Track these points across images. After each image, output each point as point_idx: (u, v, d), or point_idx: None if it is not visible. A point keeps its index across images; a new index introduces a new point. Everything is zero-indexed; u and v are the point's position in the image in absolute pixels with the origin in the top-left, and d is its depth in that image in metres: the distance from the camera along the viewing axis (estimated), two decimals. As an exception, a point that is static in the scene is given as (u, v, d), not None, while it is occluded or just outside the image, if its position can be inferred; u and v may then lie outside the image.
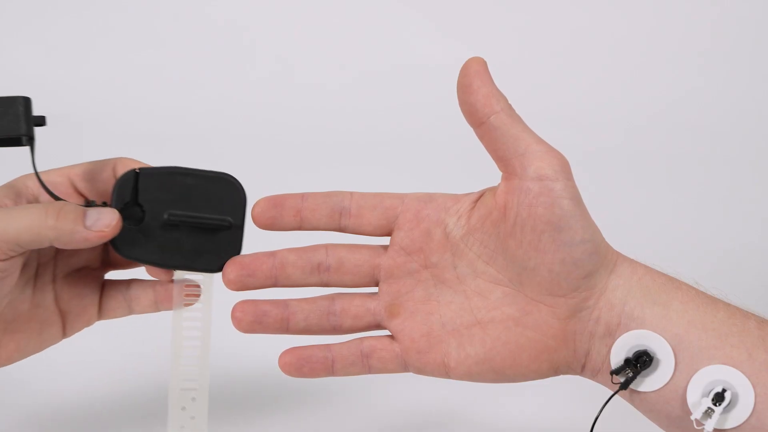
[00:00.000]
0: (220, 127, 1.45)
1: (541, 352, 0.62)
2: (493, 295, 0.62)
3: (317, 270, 0.64)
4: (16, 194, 0.62)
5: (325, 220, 0.63)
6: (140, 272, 0.66)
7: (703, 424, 0.59)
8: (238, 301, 0.63)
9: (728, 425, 0.59)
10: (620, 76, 1.53)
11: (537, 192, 0.59)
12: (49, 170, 0.63)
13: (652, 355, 0.60)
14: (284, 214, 0.63)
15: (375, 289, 0.65)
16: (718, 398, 0.59)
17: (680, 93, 1.50)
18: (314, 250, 0.64)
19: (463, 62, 0.60)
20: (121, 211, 0.61)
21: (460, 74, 0.60)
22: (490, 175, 0.62)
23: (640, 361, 0.60)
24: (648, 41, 1.56)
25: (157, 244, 0.63)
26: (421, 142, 1.40)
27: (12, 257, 0.59)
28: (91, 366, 0.80)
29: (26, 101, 0.60)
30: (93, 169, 0.64)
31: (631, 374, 0.60)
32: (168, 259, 0.63)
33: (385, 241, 0.64)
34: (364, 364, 0.64)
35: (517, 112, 0.61)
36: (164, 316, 0.66)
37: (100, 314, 0.66)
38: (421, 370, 0.64)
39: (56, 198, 0.61)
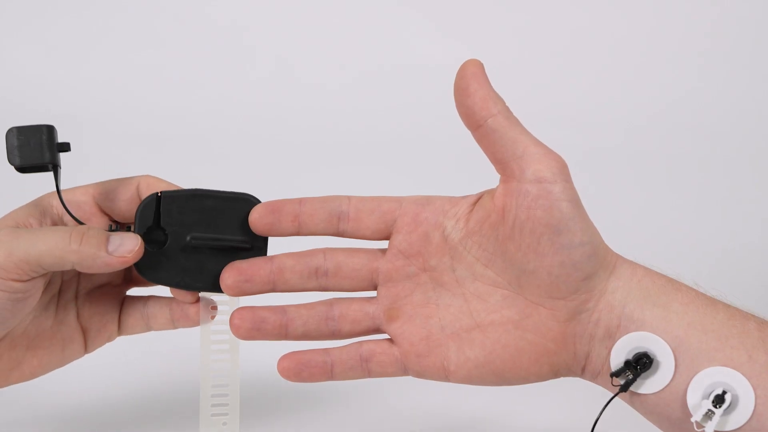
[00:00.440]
0: (220, 127, 1.45)
1: (541, 355, 0.62)
2: (493, 298, 0.62)
3: (315, 274, 0.64)
4: (41, 213, 0.63)
5: (324, 225, 0.63)
6: (158, 288, 0.66)
7: (704, 426, 0.59)
8: (237, 308, 0.64)
9: (729, 427, 0.59)
10: (620, 76, 1.53)
11: (535, 194, 0.59)
12: (73, 188, 0.64)
13: (652, 357, 0.60)
14: (282, 220, 0.63)
15: (374, 293, 0.65)
16: (719, 400, 0.59)
17: (680, 93, 1.50)
18: (312, 254, 0.64)
19: (464, 61, 0.60)
20: (144, 234, 0.63)
21: (456, 77, 0.60)
22: (490, 175, 0.62)
23: (640, 363, 0.60)
24: (648, 41, 1.56)
25: (180, 266, 0.64)
26: (421, 142, 1.40)
27: (34, 278, 0.60)
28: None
29: (49, 129, 0.61)
30: (117, 188, 0.65)
31: (631, 376, 0.60)
32: (192, 282, 0.64)
33: (384, 245, 0.64)
34: (364, 368, 0.64)
35: (517, 112, 0.61)
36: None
37: (120, 331, 0.67)
38: (420, 374, 0.64)
39: (80, 222, 0.63)
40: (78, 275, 0.66)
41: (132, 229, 0.64)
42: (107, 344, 0.68)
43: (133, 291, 0.68)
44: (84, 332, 0.66)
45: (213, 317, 0.66)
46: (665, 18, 1.58)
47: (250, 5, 1.59)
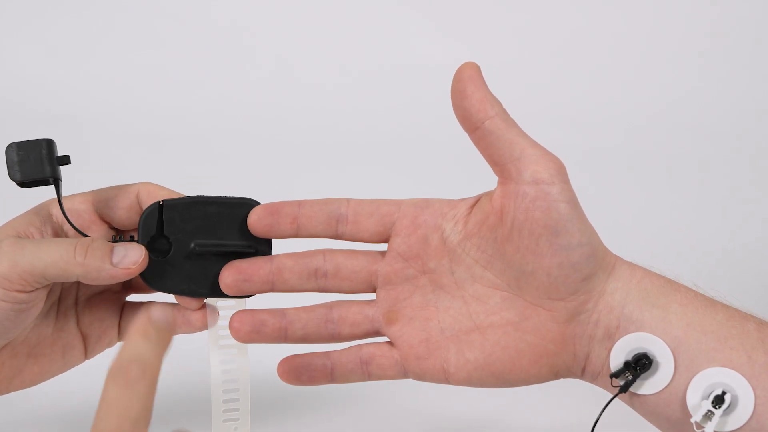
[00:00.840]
0: (220, 128, 1.45)
1: (541, 356, 0.62)
2: (492, 299, 0.62)
3: (314, 276, 0.64)
4: (42, 222, 0.64)
5: (322, 228, 0.63)
6: (159, 294, 0.66)
7: (703, 427, 0.59)
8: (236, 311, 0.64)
9: (728, 428, 0.59)
10: (620, 76, 1.53)
11: (533, 196, 0.59)
12: (72, 196, 0.65)
13: (651, 357, 0.60)
14: (281, 222, 0.63)
15: (373, 296, 0.65)
16: (718, 401, 0.59)
17: (680, 93, 1.50)
18: (312, 255, 0.64)
19: (461, 64, 0.60)
20: (147, 244, 0.63)
21: (453, 79, 0.60)
22: (490, 175, 0.62)
23: (640, 364, 0.60)
24: (648, 41, 1.56)
25: (185, 274, 0.64)
26: (421, 143, 1.40)
27: (37, 289, 0.60)
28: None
29: (49, 144, 0.62)
30: (116, 195, 0.65)
31: (630, 377, 0.60)
32: (197, 288, 0.64)
33: (384, 247, 0.64)
34: (364, 371, 0.64)
35: (517, 112, 0.61)
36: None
37: (121, 336, 0.67)
38: (420, 377, 0.64)
39: (83, 234, 0.63)
40: (77, 282, 0.66)
41: (135, 238, 0.64)
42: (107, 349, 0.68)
43: (133, 297, 0.68)
44: (84, 339, 0.66)
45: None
46: (665, 18, 1.58)
47: (250, 5, 1.59)
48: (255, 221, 0.63)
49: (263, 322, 0.63)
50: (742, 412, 0.59)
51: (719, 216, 1.23)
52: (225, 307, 0.65)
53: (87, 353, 0.67)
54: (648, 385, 0.61)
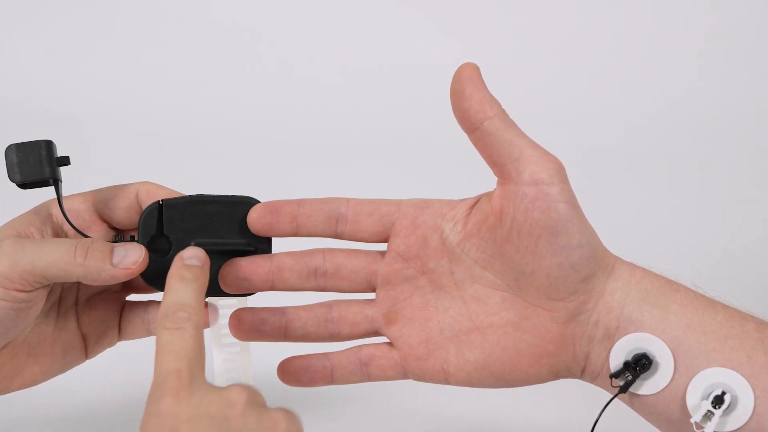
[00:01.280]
0: (220, 127, 1.45)
1: (541, 357, 0.62)
2: (492, 300, 0.62)
3: (314, 275, 0.64)
4: (42, 222, 0.64)
5: (322, 227, 0.63)
6: (159, 293, 0.66)
7: (703, 427, 0.59)
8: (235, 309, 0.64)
9: (728, 428, 0.59)
10: (619, 76, 1.53)
11: (533, 196, 0.59)
12: (71, 196, 0.65)
13: (651, 358, 0.60)
14: (280, 221, 0.63)
15: (373, 296, 0.65)
16: (718, 401, 0.59)
17: (680, 93, 1.50)
18: (312, 254, 0.64)
19: (460, 65, 0.61)
20: (148, 244, 0.63)
21: (452, 80, 0.60)
22: (490, 175, 0.62)
23: (640, 364, 0.60)
24: (647, 41, 1.56)
25: None
26: (421, 142, 1.40)
27: (37, 288, 0.60)
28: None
29: (48, 145, 0.62)
30: (115, 195, 0.65)
31: (630, 377, 0.60)
32: None
33: (384, 247, 0.64)
34: (363, 372, 0.64)
35: (517, 111, 0.61)
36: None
37: (121, 336, 0.68)
38: (420, 377, 0.64)
39: (83, 234, 0.63)
40: (78, 282, 0.66)
41: (135, 238, 0.64)
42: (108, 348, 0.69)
43: (133, 297, 0.68)
44: (84, 339, 0.66)
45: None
46: (665, 18, 1.58)
47: (250, 5, 1.59)
48: (255, 219, 0.63)
49: (263, 320, 0.63)
50: (742, 413, 0.59)
51: (719, 216, 1.23)
52: (226, 306, 0.65)
53: (87, 353, 0.67)
54: (648, 386, 0.61)
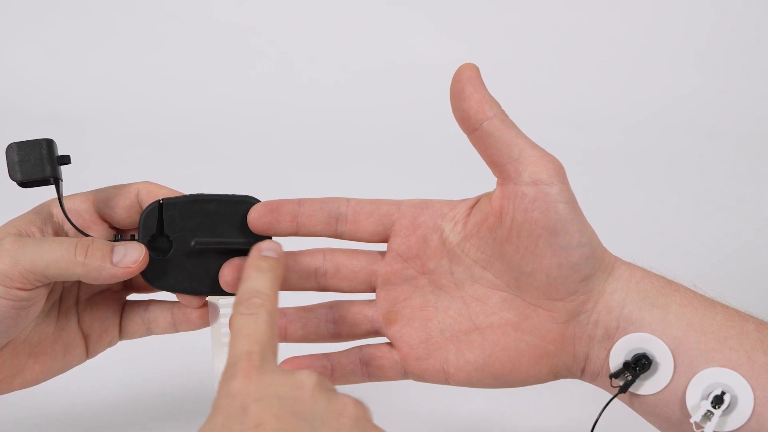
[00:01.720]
0: (220, 127, 1.45)
1: (541, 357, 0.62)
2: (491, 300, 0.62)
3: (314, 275, 0.64)
4: (43, 221, 0.64)
5: (322, 227, 0.63)
6: (159, 293, 0.67)
7: (703, 427, 0.59)
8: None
9: (728, 428, 0.59)
10: (619, 76, 1.53)
11: (532, 197, 0.59)
12: (72, 195, 0.65)
13: (651, 358, 0.60)
14: (280, 220, 0.63)
15: (373, 296, 0.65)
16: (718, 401, 0.59)
17: (679, 93, 1.50)
18: (312, 254, 0.64)
19: (459, 65, 0.61)
20: (148, 243, 0.63)
21: (452, 80, 0.60)
22: (490, 175, 0.62)
23: (639, 365, 0.60)
24: (647, 41, 1.56)
25: (186, 272, 0.64)
26: (422, 142, 1.40)
27: (38, 287, 0.61)
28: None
29: (49, 143, 0.62)
30: (116, 195, 0.65)
31: (630, 377, 0.60)
32: (199, 287, 0.64)
33: (384, 247, 0.64)
34: (364, 372, 0.64)
35: (516, 111, 0.61)
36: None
37: (122, 335, 0.68)
38: (420, 377, 0.64)
39: (83, 233, 0.63)
40: (78, 282, 0.66)
41: (136, 237, 0.64)
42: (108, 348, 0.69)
43: (134, 296, 0.68)
44: (85, 338, 0.66)
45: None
46: (664, 18, 1.58)
47: (250, 5, 1.59)
48: (255, 218, 0.63)
49: (263, 321, 0.63)
50: (742, 412, 0.59)
51: (719, 216, 1.23)
52: (226, 306, 0.65)
53: (88, 353, 0.67)
54: (647, 386, 0.61)
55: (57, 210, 0.64)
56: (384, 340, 0.65)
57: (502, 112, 0.60)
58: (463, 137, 0.61)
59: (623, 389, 0.61)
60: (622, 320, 0.60)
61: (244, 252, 0.64)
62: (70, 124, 1.39)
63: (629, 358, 0.60)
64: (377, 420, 0.75)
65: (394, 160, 1.36)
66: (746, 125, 1.45)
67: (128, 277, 0.62)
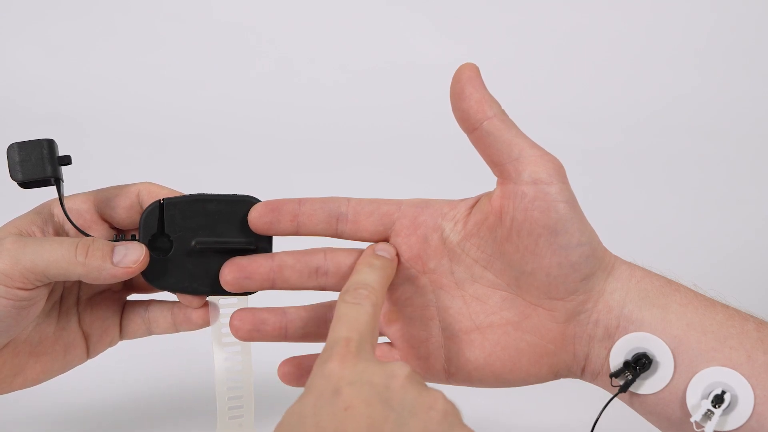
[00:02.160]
0: (220, 127, 1.45)
1: (541, 356, 0.62)
2: (492, 299, 0.62)
3: (315, 274, 0.64)
4: (43, 221, 0.64)
5: (322, 226, 0.63)
6: (159, 293, 0.67)
7: (703, 427, 0.59)
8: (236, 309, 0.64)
9: (728, 427, 0.59)
10: (619, 76, 1.53)
11: (532, 196, 0.59)
12: (73, 195, 0.65)
13: (651, 357, 0.60)
14: (281, 219, 0.63)
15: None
16: (718, 400, 0.59)
17: (679, 93, 1.50)
18: (313, 253, 0.64)
19: (459, 65, 0.61)
20: (149, 242, 0.63)
21: (452, 81, 0.60)
22: (490, 175, 0.62)
23: (639, 364, 0.60)
24: (647, 41, 1.56)
25: (186, 271, 0.64)
26: (422, 142, 1.40)
27: (38, 287, 0.61)
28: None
29: (50, 144, 0.62)
30: (117, 195, 0.65)
31: (630, 377, 0.60)
32: (199, 286, 0.64)
33: (384, 247, 0.64)
34: None
35: (516, 111, 0.61)
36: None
37: (122, 335, 0.68)
38: (420, 377, 0.64)
39: (84, 233, 0.63)
40: (79, 282, 0.66)
41: (137, 237, 0.64)
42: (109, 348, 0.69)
43: (134, 296, 0.68)
44: (86, 338, 0.66)
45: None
46: (664, 18, 1.58)
47: (250, 5, 1.59)
48: (255, 218, 0.63)
49: (264, 320, 0.63)
50: (742, 412, 0.59)
51: (719, 216, 1.23)
52: (226, 305, 0.65)
53: (89, 352, 0.67)
54: (648, 385, 0.61)
55: (58, 210, 0.64)
56: (384, 340, 0.65)
57: (502, 111, 0.60)
58: (463, 137, 0.61)
59: (623, 389, 0.61)
60: (622, 319, 0.60)
61: (244, 252, 0.64)
62: (70, 124, 1.39)
63: (629, 357, 0.60)
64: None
65: (394, 160, 1.36)
66: (746, 125, 1.45)
67: (129, 277, 0.62)
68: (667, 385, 0.60)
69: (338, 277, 0.64)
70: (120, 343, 0.69)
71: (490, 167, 0.61)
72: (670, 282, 0.62)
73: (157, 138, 1.40)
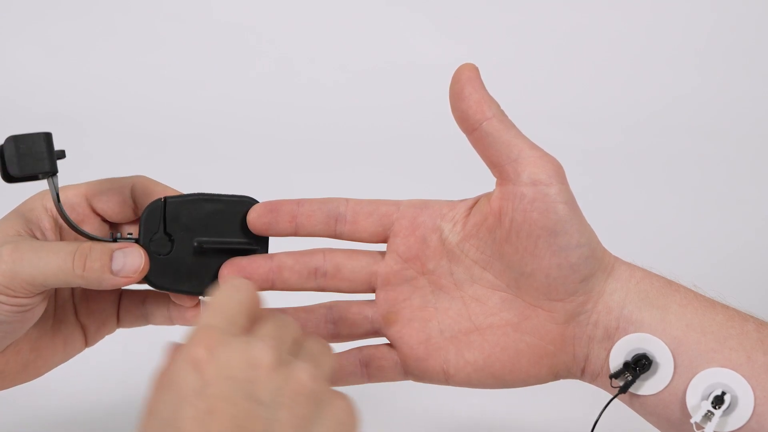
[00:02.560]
0: (220, 127, 1.45)
1: (541, 357, 0.62)
2: (491, 300, 0.62)
3: (314, 275, 0.63)
4: (26, 223, 0.63)
5: (321, 227, 0.63)
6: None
7: (703, 428, 0.59)
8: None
9: (728, 428, 0.59)
10: (619, 76, 1.53)
11: (531, 197, 0.59)
12: (65, 187, 0.64)
13: (651, 358, 0.60)
14: (279, 220, 0.63)
15: (373, 296, 0.64)
16: (718, 401, 0.59)
17: (679, 93, 1.50)
18: (312, 254, 0.64)
19: (459, 65, 0.60)
20: (149, 242, 0.63)
21: (451, 81, 0.60)
22: (490, 175, 0.62)
23: (639, 365, 0.60)
24: (647, 41, 1.56)
25: (187, 272, 0.64)
26: (421, 142, 1.40)
27: (37, 294, 0.61)
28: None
29: (47, 137, 0.61)
30: (110, 188, 0.64)
31: (630, 378, 0.60)
32: (198, 287, 0.64)
33: (383, 247, 0.64)
34: (363, 373, 0.64)
35: (516, 111, 0.61)
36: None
37: (119, 324, 0.67)
38: (420, 378, 0.64)
39: (79, 231, 0.62)
40: None
41: (134, 234, 0.64)
42: (109, 343, 0.68)
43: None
44: (84, 329, 0.66)
45: None
46: (664, 17, 1.58)
47: (250, 5, 1.59)
48: (254, 219, 0.63)
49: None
50: (742, 413, 0.59)
51: (719, 216, 1.23)
52: None
53: (87, 341, 0.67)
54: (647, 386, 0.61)
55: (50, 204, 0.63)
56: (384, 340, 0.64)
57: (502, 112, 0.60)
58: (463, 137, 0.61)
59: (623, 389, 0.61)
60: (621, 320, 0.60)
61: (243, 252, 0.64)
62: (70, 124, 1.39)
63: (629, 358, 0.60)
64: (378, 420, 0.75)
65: (394, 160, 1.36)
66: (746, 125, 1.45)
67: (129, 285, 0.61)
68: (666, 386, 0.60)
69: (337, 278, 0.63)
70: (120, 343, 0.69)
71: (490, 168, 0.61)
72: (669, 282, 0.62)
73: (157, 138, 1.40)
